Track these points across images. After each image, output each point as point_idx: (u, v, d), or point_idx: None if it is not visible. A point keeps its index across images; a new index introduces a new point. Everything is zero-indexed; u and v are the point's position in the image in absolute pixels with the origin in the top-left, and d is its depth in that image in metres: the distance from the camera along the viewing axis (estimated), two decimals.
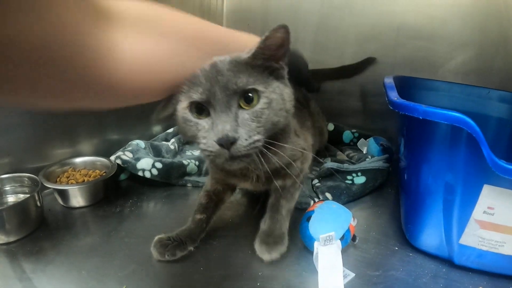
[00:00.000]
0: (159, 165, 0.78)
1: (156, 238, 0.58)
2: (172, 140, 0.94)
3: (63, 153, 0.78)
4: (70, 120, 0.78)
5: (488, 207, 0.50)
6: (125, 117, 0.88)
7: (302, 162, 0.64)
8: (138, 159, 0.78)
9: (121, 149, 0.83)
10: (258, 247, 0.57)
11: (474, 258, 0.55)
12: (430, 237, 0.57)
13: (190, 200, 0.76)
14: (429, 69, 0.95)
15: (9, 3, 0.26)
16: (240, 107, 0.46)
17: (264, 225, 0.60)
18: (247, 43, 0.47)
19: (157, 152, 0.87)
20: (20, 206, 0.60)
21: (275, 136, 0.49)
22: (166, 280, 0.52)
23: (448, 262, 0.58)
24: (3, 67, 0.28)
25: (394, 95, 0.58)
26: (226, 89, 0.44)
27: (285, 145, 0.54)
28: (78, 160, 0.78)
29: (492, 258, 0.54)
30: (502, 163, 0.45)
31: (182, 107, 0.47)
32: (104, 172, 0.75)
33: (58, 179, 0.72)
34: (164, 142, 0.93)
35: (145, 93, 0.42)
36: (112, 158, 0.78)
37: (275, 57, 0.47)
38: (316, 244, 0.53)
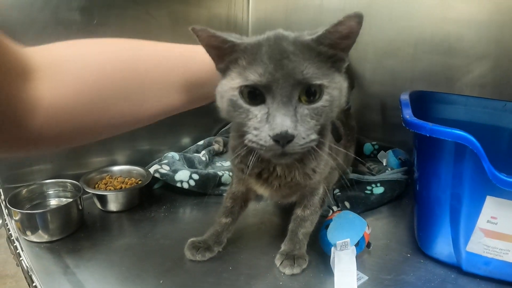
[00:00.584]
0: (196, 176, 0.85)
1: (189, 241, 0.64)
2: (203, 152, 1.02)
3: (99, 161, 0.87)
4: None
5: (492, 217, 0.55)
6: (157, 129, 0.96)
7: (329, 182, 0.67)
8: (175, 171, 0.86)
9: (157, 161, 0.91)
10: (278, 263, 0.61)
11: (481, 265, 0.60)
12: (440, 244, 0.63)
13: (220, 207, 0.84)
14: (447, 83, 0.99)
15: None
16: (299, 100, 0.42)
17: (284, 246, 0.63)
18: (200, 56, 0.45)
19: (190, 164, 0.95)
20: (63, 209, 0.69)
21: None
22: (198, 277, 0.59)
23: (457, 268, 0.63)
24: None
25: (407, 113, 0.64)
26: (291, 77, 0.41)
27: (322, 154, 0.52)
28: (115, 168, 0.87)
29: (498, 265, 0.59)
30: (502, 176, 0.50)
31: (231, 87, 0.43)
32: (139, 180, 0.84)
33: (96, 185, 0.81)
34: (195, 154, 1.01)
35: (67, 139, 0.41)
36: (151, 170, 0.86)
37: (340, 46, 0.44)
38: (333, 249, 0.59)
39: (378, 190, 0.84)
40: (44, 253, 0.65)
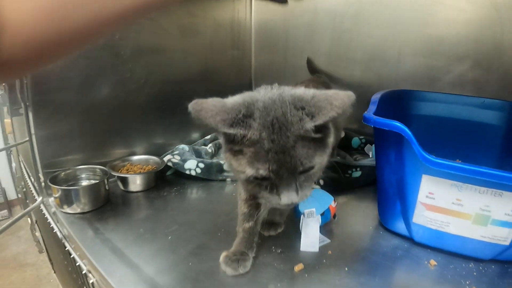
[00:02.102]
0: (201, 165, 1.03)
1: (223, 256, 0.66)
2: (210, 144, 1.20)
3: (121, 152, 1.06)
4: (127, 127, 1.05)
5: (429, 192, 0.67)
6: (170, 125, 1.15)
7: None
8: (185, 161, 1.03)
9: (170, 152, 1.09)
10: (260, 228, 0.73)
11: (428, 236, 0.71)
12: (394, 218, 0.76)
13: (222, 189, 1.01)
14: (429, 83, 1.11)
15: None
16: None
17: (267, 215, 0.75)
18: None
19: (198, 154, 1.12)
20: (94, 187, 0.87)
21: None
22: (197, 234, 0.76)
23: (410, 240, 0.75)
24: None
25: (369, 109, 0.77)
26: (294, 170, 0.50)
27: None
28: (135, 157, 1.05)
29: (442, 237, 0.70)
30: (430, 157, 0.62)
31: (244, 173, 0.51)
32: (155, 167, 1.02)
33: (119, 171, 0.99)
34: (203, 147, 1.19)
35: (35, 59, 0.38)
36: (165, 159, 1.03)
37: (333, 121, 0.52)
38: (302, 216, 0.74)
39: (356, 174, 0.98)
40: (78, 221, 0.82)
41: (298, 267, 0.66)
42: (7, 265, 1.79)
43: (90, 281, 0.70)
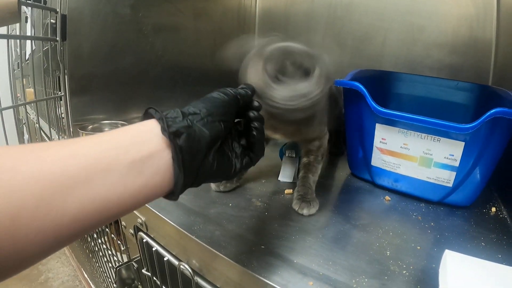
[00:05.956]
0: None
1: None
2: None
3: (138, 115, 1.32)
4: (143, 93, 1.33)
5: (382, 138, 0.91)
6: (181, 93, 1.43)
7: (321, 139, 0.92)
8: None
9: None
10: (296, 207, 0.80)
11: (384, 177, 0.94)
12: (358, 164, 1.00)
13: None
14: (409, 65, 1.35)
15: None
16: None
17: (297, 192, 0.83)
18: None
19: None
20: None
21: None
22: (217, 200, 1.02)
23: (372, 183, 0.98)
24: None
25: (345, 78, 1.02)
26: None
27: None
28: None
29: (395, 178, 0.92)
30: (379, 108, 0.85)
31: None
32: None
33: None
34: None
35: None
36: None
37: None
38: (284, 156, 0.99)
39: None
40: None
41: (288, 191, 0.91)
42: None
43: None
